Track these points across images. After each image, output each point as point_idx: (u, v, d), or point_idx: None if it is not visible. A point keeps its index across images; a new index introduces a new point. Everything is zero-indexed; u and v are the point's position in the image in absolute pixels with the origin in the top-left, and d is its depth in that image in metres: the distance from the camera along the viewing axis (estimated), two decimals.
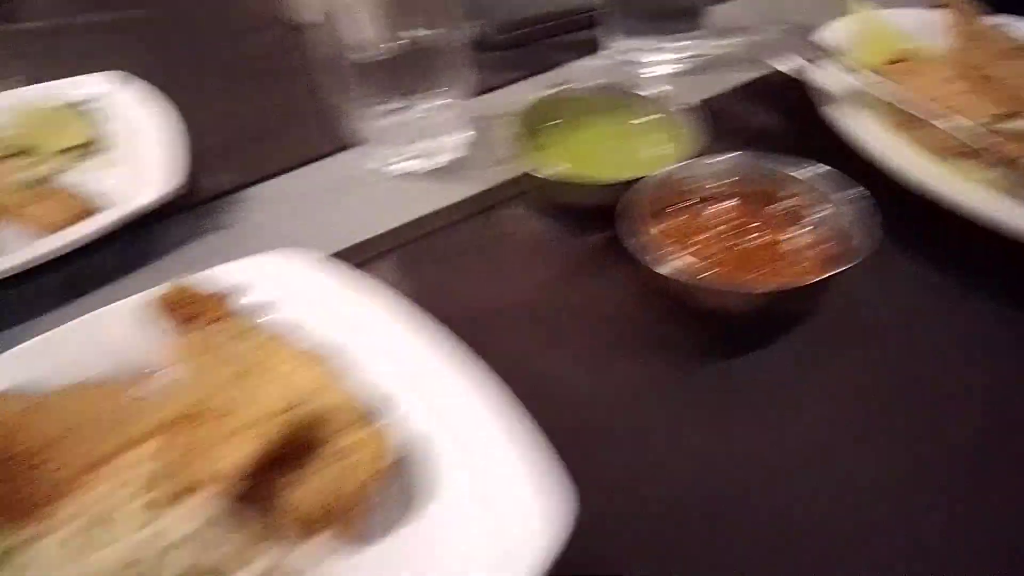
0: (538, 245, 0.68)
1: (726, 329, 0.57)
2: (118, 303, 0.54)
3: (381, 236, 0.70)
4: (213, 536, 0.40)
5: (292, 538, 0.43)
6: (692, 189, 0.63)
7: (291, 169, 0.79)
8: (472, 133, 0.79)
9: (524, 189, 0.73)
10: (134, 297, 0.55)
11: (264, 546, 0.42)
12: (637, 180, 0.61)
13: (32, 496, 0.44)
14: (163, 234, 0.71)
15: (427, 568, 0.41)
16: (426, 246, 0.69)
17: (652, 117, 0.73)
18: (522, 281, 0.64)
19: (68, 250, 0.65)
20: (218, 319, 0.53)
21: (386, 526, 0.44)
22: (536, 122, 0.73)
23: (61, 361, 0.51)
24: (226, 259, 0.65)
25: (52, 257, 0.64)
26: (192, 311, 0.53)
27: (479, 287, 0.64)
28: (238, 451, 0.42)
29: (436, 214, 0.72)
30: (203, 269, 0.61)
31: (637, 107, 0.74)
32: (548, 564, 0.38)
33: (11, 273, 0.63)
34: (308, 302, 0.55)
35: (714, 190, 0.63)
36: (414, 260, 0.68)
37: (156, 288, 0.54)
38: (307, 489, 0.43)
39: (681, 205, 0.62)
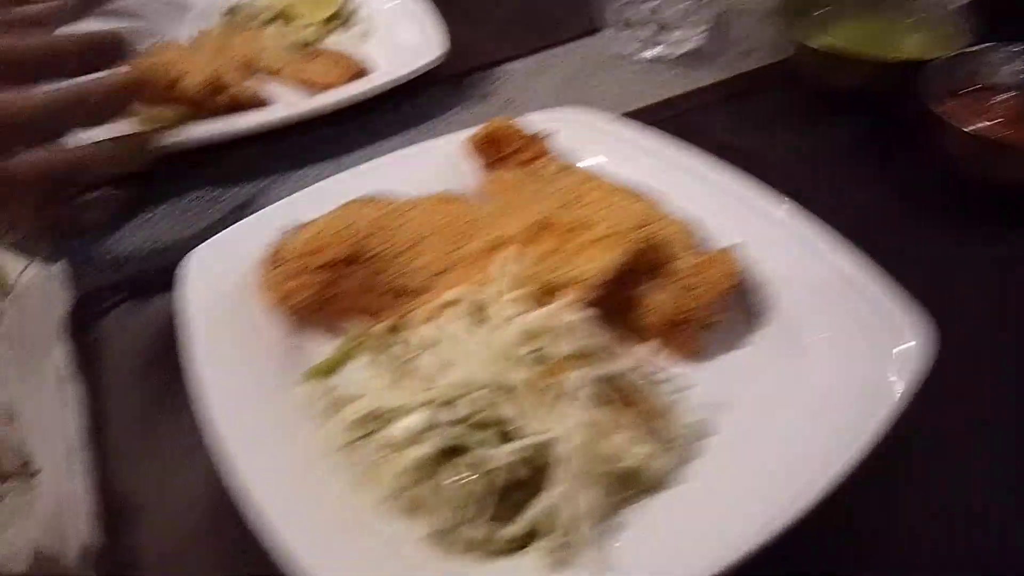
0: (811, 125, 0.69)
1: None
2: (443, 137, 0.58)
3: (636, 112, 0.71)
4: (582, 331, 0.42)
5: (640, 347, 0.46)
6: (980, 75, 0.62)
7: (542, 49, 0.81)
8: (717, 21, 0.80)
9: (783, 73, 0.73)
10: (456, 134, 0.58)
11: (621, 348, 0.45)
12: (915, 64, 0.61)
13: (403, 288, 0.48)
14: (426, 100, 0.75)
15: (772, 390, 0.43)
16: (683, 124, 0.70)
17: (918, 16, 0.72)
18: (801, 160, 0.65)
19: (365, 97, 0.69)
20: (534, 158, 0.56)
21: (728, 346, 0.46)
22: (798, 9, 0.73)
23: (394, 182, 0.55)
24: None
25: (356, 102, 0.69)
26: (510, 149, 0.56)
27: (749, 164, 0.65)
28: (599, 260, 0.45)
29: (687, 96, 0.73)
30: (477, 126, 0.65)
31: (902, 3, 0.73)
32: (908, 398, 0.38)
33: (306, 118, 0.68)
34: (610, 150, 0.57)
35: (1000, 80, 0.62)
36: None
37: (476, 127, 0.58)
38: (657, 302, 0.45)
39: (969, 90, 0.62)
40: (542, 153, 0.56)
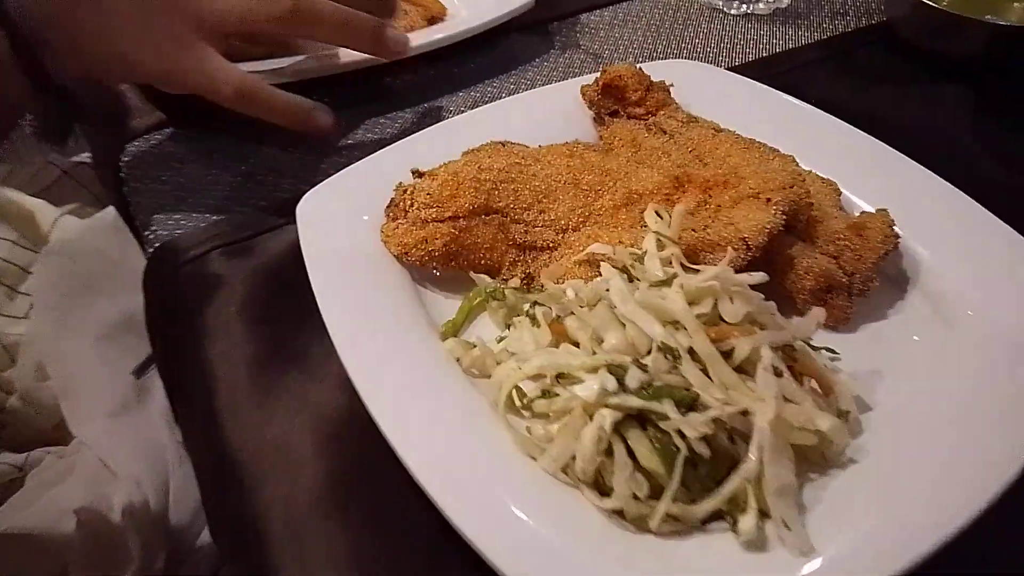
0: (921, 90, 0.65)
1: None
2: (556, 85, 0.55)
3: (734, 69, 0.68)
4: (749, 294, 0.39)
5: (796, 307, 0.43)
6: None
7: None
8: None
9: (884, 34, 0.70)
10: (570, 81, 0.55)
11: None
12: None
13: (531, 243, 0.45)
14: (506, 49, 0.71)
15: (926, 361, 0.40)
16: (784, 83, 0.67)
17: None
18: (914, 126, 0.61)
19: (449, 43, 0.65)
20: (656, 109, 0.53)
21: (877, 314, 0.44)
22: None
23: (506, 130, 0.51)
24: (580, 74, 0.66)
25: (437, 47, 0.64)
26: (630, 99, 0.53)
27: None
28: (753, 218, 0.42)
29: (787, 54, 0.70)
30: (564, 79, 0.62)
31: None
32: None
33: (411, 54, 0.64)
34: (727, 104, 0.54)
35: None
36: None
37: (593, 75, 0.54)
38: (809, 266, 0.42)
39: None
40: (663, 104, 0.53)
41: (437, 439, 0.34)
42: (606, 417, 0.32)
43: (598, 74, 0.53)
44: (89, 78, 0.53)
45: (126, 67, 0.51)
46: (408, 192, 0.44)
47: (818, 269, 0.42)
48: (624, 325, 0.36)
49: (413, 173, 0.45)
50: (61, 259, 0.84)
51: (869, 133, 0.51)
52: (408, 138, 0.50)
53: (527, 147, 0.48)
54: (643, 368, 0.34)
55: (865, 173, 0.49)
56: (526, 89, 0.65)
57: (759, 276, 0.38)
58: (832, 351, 0.41)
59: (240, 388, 0.42)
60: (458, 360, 0.39)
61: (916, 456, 0.35)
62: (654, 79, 0.55)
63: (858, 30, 0.71)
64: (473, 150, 0.47)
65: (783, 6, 0.75)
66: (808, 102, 0.55)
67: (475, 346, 0.39)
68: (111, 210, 0.74)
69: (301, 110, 0.53)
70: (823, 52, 0.70)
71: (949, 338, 0.41)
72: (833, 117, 0.52)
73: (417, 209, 0.43)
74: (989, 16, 0.64)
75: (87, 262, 0.83)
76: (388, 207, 0.44)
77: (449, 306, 0.43)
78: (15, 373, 0.79)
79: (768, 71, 0.67)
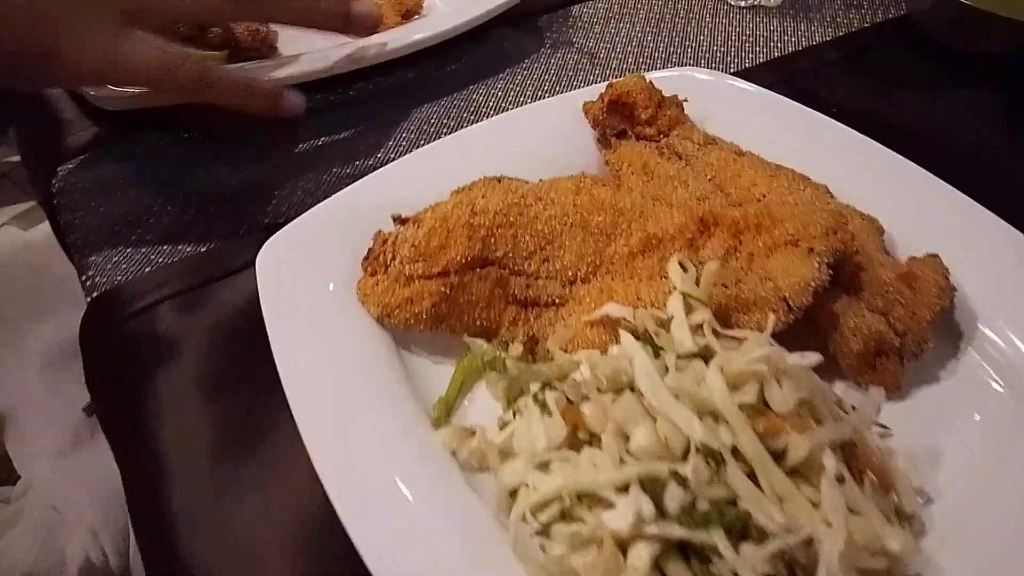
0: (948, 91, 0.60)
1: None
2: (553, 99, 0.48)
3: (745, 73, 0.62)
4: (803, 375, 0.33)
5: (846, 369, 0.37)
6: None
7: None
8: None
9: (905, 30, 0.64)
10: (567, 96, 0.48)
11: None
12: None
13: (535, 298, 0.39)
14: (491, 46, 0.64)
15: (988, 438, 0.35)
16: (798, 85, 0.61)
17: None
18: (944, 132, 0.56)
19: (433, 43, 0.57)
20: (668, 128, 0.46)
21: (928, 376, 0.38)
22: None
23: (497, 155, 0.45)
24: (578, 80, 0.59)
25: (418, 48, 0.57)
26: (640, 116, 0.46)
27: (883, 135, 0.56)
28: (794, 272, 0.36)
29: (801, 54, 0.64)
30: (556, 87, 0.55)
31: None
32: None
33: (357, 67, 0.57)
34: (743, 118, 0.48)
35: None
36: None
37: (595, 87, 0.47)
38: (856, 324, 0.37)
39: None
40: (677, 122, 0.46)
41: (426, 560, 0.28)
42: (643, 554, 0.26)
43: (602, 88, 0.47)
44: (23, 84, 0.47)
45: (65, 67, 0.44)
46: (389, 243, 0.37)
47: (867, 330, 0.37)
48: (644, 415, 0.30)
49: (395, 220, 0.38)
50: (1, 276, 0.76)
51: (892, 144, 0.45)
52: (383, 169, 0.43)
53: (526, 183, 0.41)
54: (683, 482, 0.28)
55: (908, 207, 0.43)
56: (516, 94, 0.59)
57: (814, 358, 0.32)
58: (883, 426, 0.35)
59: (196, 483, 0.35)
60: (452, 452, 0.33)
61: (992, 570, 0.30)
62: (665, 87, 0.48)
63: (875, 25, 0.65)
64: (465, 189, 0.40)
65: None
66: (825, 108, 0.49)
67: (473, 433, 0.33)
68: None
69: (270, 91, 0.48)
70: (838, 51, 0.63)
71: (1018, 410, 0.35)
72: (865, 137, 0.46)
73: (400, 263, 0.37)
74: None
75: (29, 279, 0.75)
76: (365, 260, 0.38)
77: (437, 373, 0.37)
78: None
79: (780, 73, 0.61)
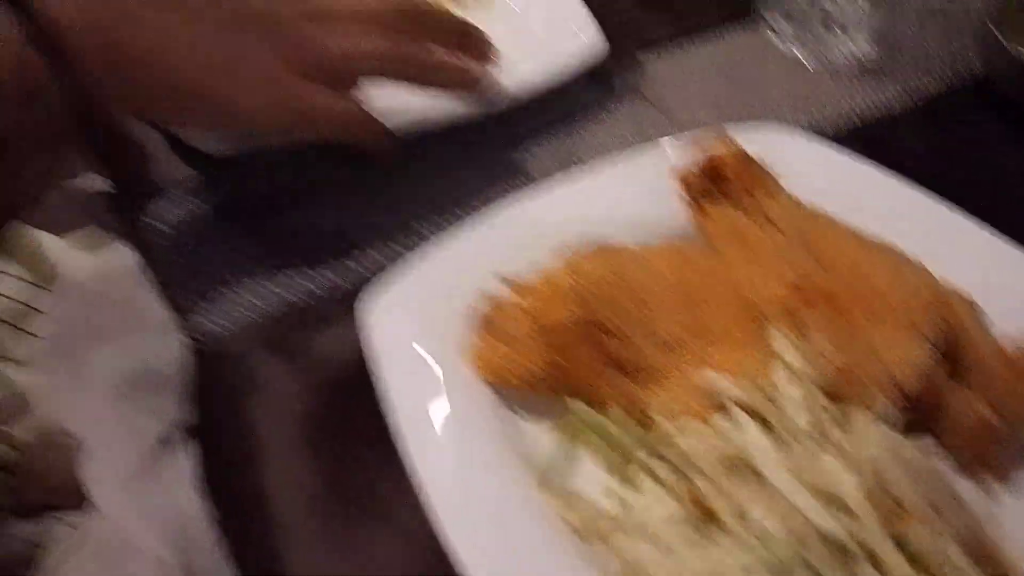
0: None
1: None
2: (640, 157, 0.49)
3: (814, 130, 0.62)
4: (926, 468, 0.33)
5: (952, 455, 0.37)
6: None
7: (678, 37, 0.70)
8: (894, 24, 0.70)
9: (985, 94, 0.64)
10: (653, 153, 0.49)
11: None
12: None
13: (633, 363, 0.39)
14: (558, 97, 0.64)
15: None
16: (872, 149, 0.61)
17: None
18: None
19: (524, 97, 0.58)
20: (752, 185, 0.47)
21: None
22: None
23: (588, 206, 0.46)
24: (643, 135, 0.59)
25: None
26: (730, 179, 0.47)
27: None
28: (901, 351, 0.36)
29: (876, 118, 0.64)
30: (621, 142, 0.55)
31: None
32: None
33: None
34: (825, 182, 0.48)
35: None
36: None
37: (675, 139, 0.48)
38: (961, 407, 0.37)
39: None
40: (759, 181, 0.47)
41: None
42: None
43: (692, 150, 0.47)
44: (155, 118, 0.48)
45: (211, 108, 0.43)
46: (503, 308, 0.38)
47: (975, 418, 0.37)
48: (764, 501, 0.31)
49: (503, 281, 0.39)
50: (72, 301, 0.77)
51: (979, 212, 0.45)
52: (473, 225, 0.44)
53: (627, 248, 0.42)
54: (811, 569, 0.28)
55: (1001, 286, 0.43)
56: (592, 148, 0.59)
57: (928, 444, 0.33)
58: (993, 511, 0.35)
59: (303, 536, 0.36)
60: (565, 519, 0.33)
61: None
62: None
63: (952, 90, 0.65)
64: (570, 253, 0.41)
65: (855, 56, 0.68)
66: (904, 177, 0.49)
67: (584, 501, 0.34)
68: (123, 248, 0.67)
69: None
70: (914, 116, 0.64)
71: None
72: (955, 209, 0.46)
73: (514, 328, 0.37)
74: None
75: (101, 306, 0.76)
76: (479, 323, 0.38)
77: (537, 434, 0.38)
78: (25, 426, 0.74)
79: (854, 137, 0.61)
